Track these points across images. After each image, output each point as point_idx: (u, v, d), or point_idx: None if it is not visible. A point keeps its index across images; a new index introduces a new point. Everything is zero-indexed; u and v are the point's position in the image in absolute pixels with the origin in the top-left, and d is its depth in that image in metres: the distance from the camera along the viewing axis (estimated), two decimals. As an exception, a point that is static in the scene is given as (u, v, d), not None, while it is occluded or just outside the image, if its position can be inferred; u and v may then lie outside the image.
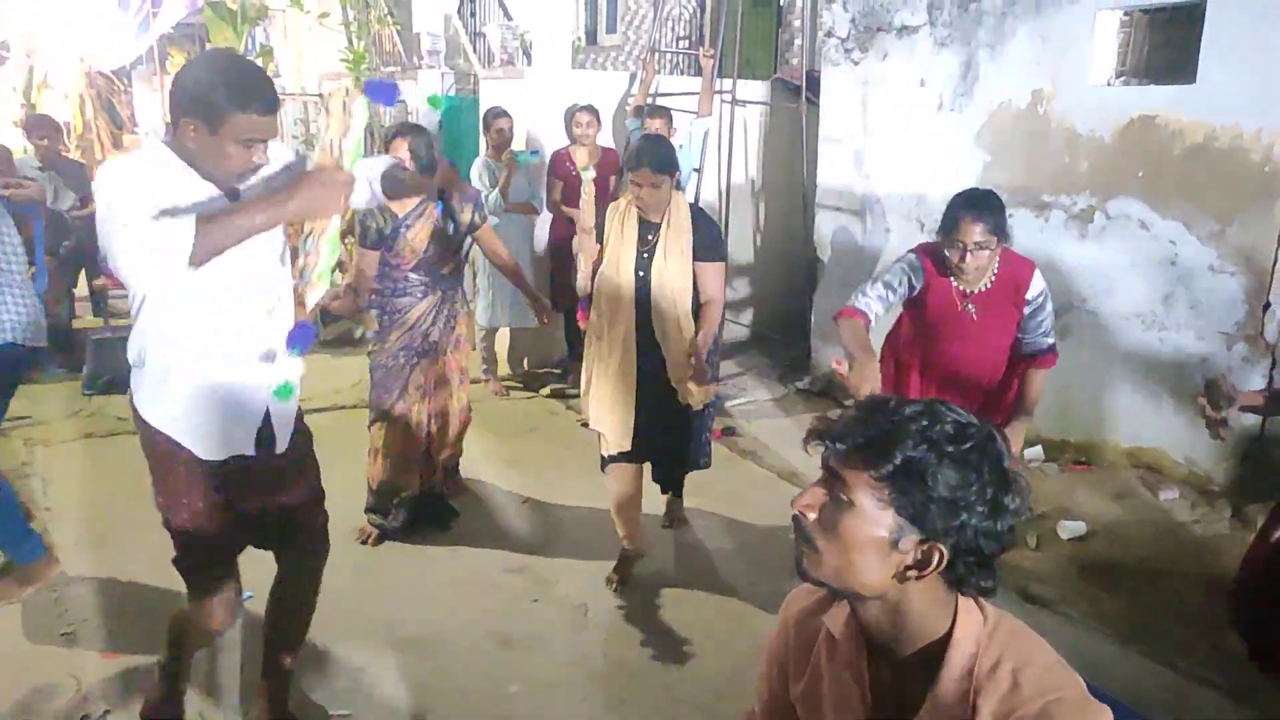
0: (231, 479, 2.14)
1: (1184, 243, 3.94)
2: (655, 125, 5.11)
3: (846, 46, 5.32)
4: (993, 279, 2.75)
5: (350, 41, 7.25)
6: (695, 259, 3.05)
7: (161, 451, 2.10)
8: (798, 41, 7.90)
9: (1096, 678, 2.90)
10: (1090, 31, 4.18)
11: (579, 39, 9.14)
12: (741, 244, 6.48)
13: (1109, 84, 4.23)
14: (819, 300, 5.70)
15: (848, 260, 5.42)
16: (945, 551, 1.11)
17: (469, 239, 3.65)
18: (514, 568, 3.46)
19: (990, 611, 1.18)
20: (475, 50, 7.62)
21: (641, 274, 3.05)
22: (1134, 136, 4.06)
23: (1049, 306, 2.80)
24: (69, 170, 5.91)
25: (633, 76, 6.10)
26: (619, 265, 3.07)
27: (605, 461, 3.21)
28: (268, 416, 2.15)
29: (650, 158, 2.96)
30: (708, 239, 3.08)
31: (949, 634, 1.15)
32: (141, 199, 1.82)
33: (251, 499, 2.19)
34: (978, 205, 2.61)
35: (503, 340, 5.73)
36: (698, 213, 3.15)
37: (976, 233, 2.58)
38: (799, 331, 5.98)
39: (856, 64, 5.25)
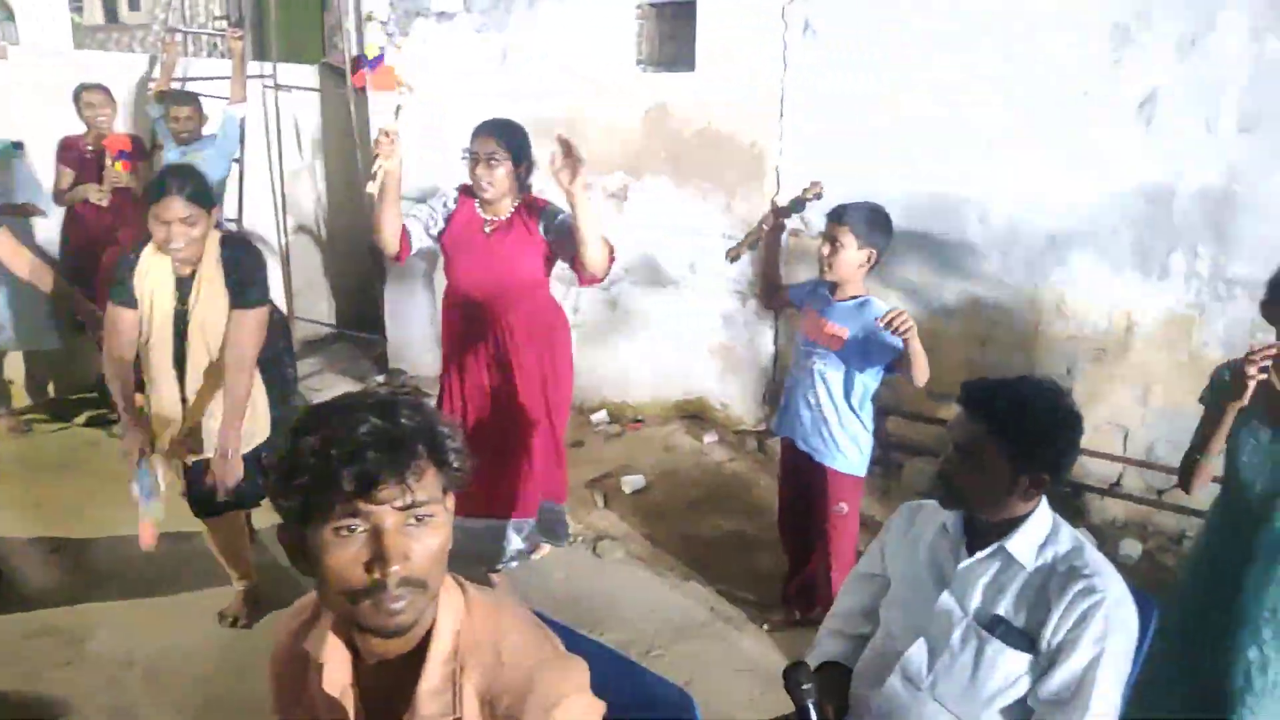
0: None
1: (701, 215, 4.43)
2: (183, 113, 4.66)
3: (388, 31, 5.22)
4: (513, 209, 2.88)
5: None
6: (234, 307, 2.67)
7: None
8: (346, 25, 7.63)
9: (657, 611, 3.18)
10: (612, 21, 4.50)
11: (79, 12, 7.99)
12: (303, 237, 6.15)
13: (632, 72, 4.59)
14: (390, 291, 5.59)
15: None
16: None
17: None
18: (39, 630, 2.96)
19: (470, 589, 1.19)
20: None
21: (179, 338, 2.68)
22: (654, 121, 4.47)
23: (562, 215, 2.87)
24: None
25: (153, 59, 5.48)
26: (156, 330, 2.67)
27: None
28: None
29: (179, 186, 2.52)
30: (241, 279, 2.67)
31: (434, 621, 1.13)
32: None
33: None
34: (490, 123, 2.82)
35: (14, 366, 4.87)
36: (234, 249, 2.73)
37: (490, 144, 2.76)
38: (374, 325, 5.82)
39: (399, 49, 5.17)
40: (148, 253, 2.65)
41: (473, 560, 3.10)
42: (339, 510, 1.02)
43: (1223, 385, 2.06)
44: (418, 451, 1.05)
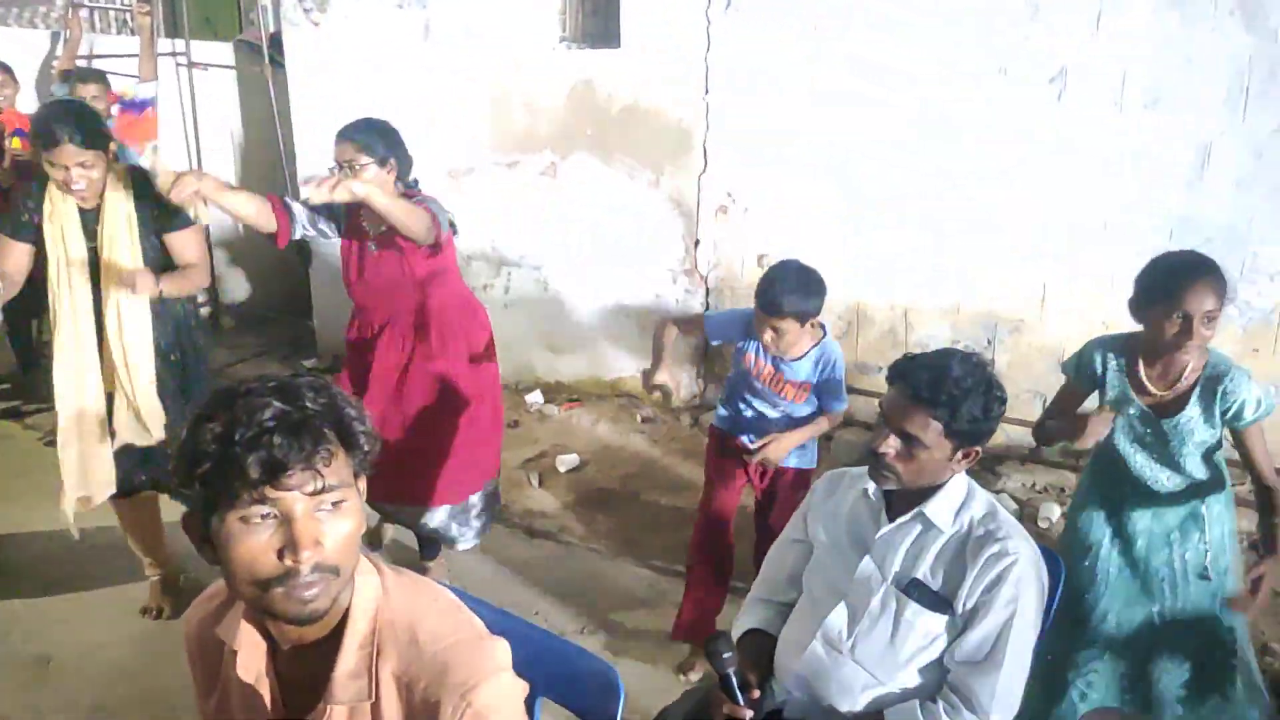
0: None
1: (630, 192, 4.42)
2: (89, 92, 4.48)
3: (305, 6, 5.08)
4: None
5: None
6: (164, 232, 2.68)
7: None
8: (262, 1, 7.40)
9: (592, 589, 3.18)
10: (534, -3, 4.44)
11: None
12: (225, 218, 5.95)
13: (556, 49, 4.54)
14: (318, 274, 5.47)
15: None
16: None
17: None
18: (-53, 634, 2.86)
19: (387, 571, 1.17)
20: None
21: (94, 277, 2.62)
22: (580, 98, 4.44)
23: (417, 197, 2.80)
24: None
25: (56, 35, 5.26)
26: (69, 270, 2.60)
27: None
28: None
29: (70, 133, 2.45)
30: (163, 206, 2.62)
31: (350, 604, 1.11)
32: None
33: None
34: (347, 128, 2.71)
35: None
36: (145, 182, 2.67)
37: (349, 151, 2.66)
38: (301, 309, 5.70)
39: (317, 25, 5.04)
40: (52, 192, 2.57)
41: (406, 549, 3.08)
42: (246, 498, 0.99)
43: (1082, 367, 2.24)
44: (325, 435, 1.02)
